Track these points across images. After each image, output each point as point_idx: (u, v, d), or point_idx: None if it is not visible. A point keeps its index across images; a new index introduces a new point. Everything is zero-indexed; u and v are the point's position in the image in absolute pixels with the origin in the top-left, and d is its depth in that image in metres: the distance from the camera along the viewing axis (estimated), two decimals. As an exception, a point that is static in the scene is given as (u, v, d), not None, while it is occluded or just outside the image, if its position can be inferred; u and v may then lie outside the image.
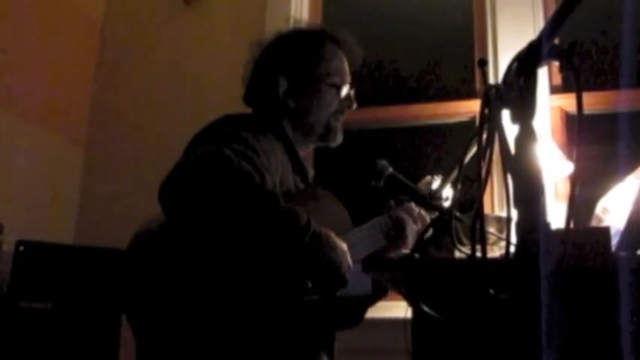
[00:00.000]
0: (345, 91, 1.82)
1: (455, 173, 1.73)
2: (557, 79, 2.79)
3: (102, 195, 3.10)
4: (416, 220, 1.83)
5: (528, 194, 0.89)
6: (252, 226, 1.35)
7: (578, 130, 0.91)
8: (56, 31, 3.10)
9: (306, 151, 1.86)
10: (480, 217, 0.96)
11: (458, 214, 1.55)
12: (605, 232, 1.23)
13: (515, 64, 0.94)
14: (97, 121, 3.25)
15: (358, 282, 1.56)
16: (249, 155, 1.43)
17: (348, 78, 1.84)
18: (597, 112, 2.75)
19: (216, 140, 1.49)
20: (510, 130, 0.94)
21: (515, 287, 0.88)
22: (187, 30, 3.28)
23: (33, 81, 2.93)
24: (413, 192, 1.81)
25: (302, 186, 1.69)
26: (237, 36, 2.97)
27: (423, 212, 1.83)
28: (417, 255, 1.36)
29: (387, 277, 1.46)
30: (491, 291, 1.00)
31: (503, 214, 2.08)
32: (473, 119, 2.92)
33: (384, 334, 2.07)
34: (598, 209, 1.67)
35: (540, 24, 2.82)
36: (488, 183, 1.02)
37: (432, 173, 1.87)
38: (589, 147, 0.96)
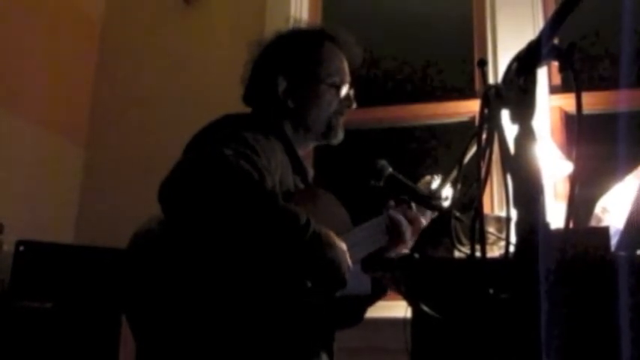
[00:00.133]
0: (344, 90, 1.82)
1: (454, 173, 1.73)
2: (557, 79, 2.80)
3: (102, 195, 3.10)
4: (412, 222, 1.83)
5: (528, 194, 0.89)
6: (251, 226, 1.35)
7: (577, 130, 0.91)
8: (56, 31, 3.10)
9: (305, 151, 1.86)
10: (479, 216, 0.96)
11: (457, 213, 1.55)
12: (605, 231, 1.23)
13: (514, 64, 0.95)
14: (97, 121, 3.26)
15: (358, 282, 1.56)
16: (248, 155, 1.44)
17: (348, 78, 1.84)
18: (597, 112, 2.76)
19: (215, 140, 1.49)
20: (510, 129, 0.94)
21: (514, 287, 0.88)
22: (187, 30, 3.28)
23: (33, 81, 2.93)
24: (413, 192, 1.81)
25: (302, 186, 1.69)
26: (237, 36, 2.97)
27: (420, 217, 1.83)
28: (416, 255, 1.37)
29: (386, 276, 1.47)
30: (491, 291, 1.00)
31: (503, 213, 2.09)
32: (472, 119, 2.93)
33: (383, 333, 2.08)
34: (597, 209, 1.68)
35: (540, 24, 2.83)
36: (488, 183, 1.02)
37: (432, 173, 1.88)
38: (588, 147, 0.96)
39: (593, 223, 1.66)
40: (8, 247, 2.37)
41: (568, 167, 2.44)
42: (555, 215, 1.09)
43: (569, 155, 2.46)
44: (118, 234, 1.58)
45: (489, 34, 2.92)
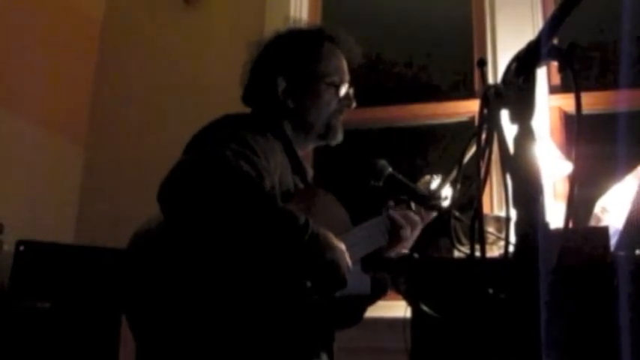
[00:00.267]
0: (344, 90, 1.82)
1: (454, 173, 1.73)
2: (556, 79, 2.80)
3: (102, 195, 3.10)
4: (411, 222, 1.82)
5: (527, 194, 0.89)
6: (250, 227, 1.35)
7: (577, 130, 0.92)
8: (56, 31, 3.10)
9: (305, 151, 1.87)
10: (479, 216, 0.96)
11: (457, 213, 1.55)
12: (604, 231, 1.23)
13: (514, 64, 0.95)
14: (97, 121, 3.26)
15: (357, 282, 1.57)
16: (248, 155, 1.44)
17: (347, 77, 1.84)
18: (596, 112, 2.76)
19: (215, 140, 1.49)
20: (509, 129, 0.94)
21: (514, 287, 0.88)
22: (187, 30, 3.28)
23: (33, 81, 2.93)
24: (412, 192, 1.81)
25: (301, 186, 1.70)
26: (237, 36, 2.97)
27: (417, 217, 1.83)
28: (416, 255, 1.37)
29: (386, 276, 1.47)
30: (490, 290, 1.00)
31: (503, 213, 2.09)
32: (472, 119, 2.93)
33: (383, 333, 2.08)
34: (597, 209, 1.68)
35: (539, 24, 2.83)
36: (488, 183, 1.03)
37: (431, 173, 1.88)
38: (588, 147, 0.96)
39: (592, 222, 1.66)
40: (8, 247, 2.37)
41: (567, 167, 2.44)
42: (555, 215, 1.10)
43: (568, 155, 2.46)
44: (118, 234, 1.58)
45: (489, 34, 2.92)
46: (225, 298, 1.35)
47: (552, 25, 0.91)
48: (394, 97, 3.18)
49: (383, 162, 1.82)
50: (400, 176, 1.82)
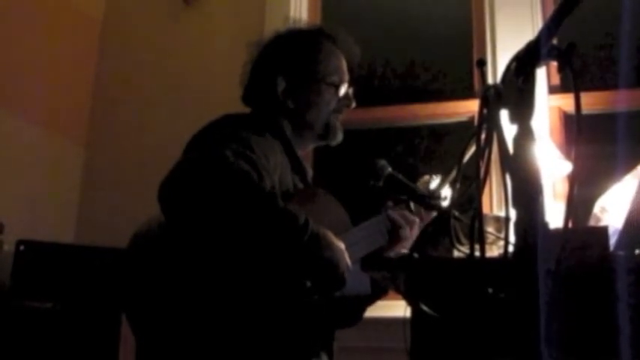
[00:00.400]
0: (343, 89, 1.82)
1: (453, 173, 1.74)
2: (556, 79, 2.80)
3: (102, 195, 3.10)
4: (411, 222, 1.83)
5: (527, 194, 0.89)
6: (250, 226, 1.35)
7: (576, 130, 0.92)
8: (56, 31, 3.10)
9: (305, 151, 1.87)
10: (478, 216, 0.96)
11: (457, 213, 1.56)
12: (604, 231, 1.23)
13: (513, 64, 0.95)
14: (97, 121, 3.26)
15: (357, 281, 1.57)
16: (247, 155, 1.44)
17: (347, 77, 1.84)
18: (595, 111, 2.76)
19: (215, 140, 1.50)
20: (509, 129, 0.94)
21: (513, 286, 0.88)
22: (187, 30, 3.28)
23: (33, 81, 2.93)
24: (412, 191, 1.81)
25: (301, 186, 1.70)
26: (237, 36, 2.97)
27: (415, 217, 1.83)
28: (415, 254, 1.37)
29: (385, 276, 1.47)
30: (490, 290, 1.00)
31: (502, 213, 2.09)
32: (471, 119, 2.93)
33: (383, 333, 2.08)
34: (596, 209, 1.68)
35: (539, 24, 2.83)
36: (487, 183, 1.03)
37: (431, 173, 1.88)
38: (587, 147, 0.96)
39: (592, 222, 1.66)
40: (8, 247, 2.38)
41: (567, 167, 2.44)
42: (554, 215, 1.10)
43: (567, 155, 2.46)
44: (118, 234, 1.59)
45: (488, 34, 2.92)
46: (225, 298, 1.35)
47: (552, 25, 0.91)
48: (394, 97, 3.18)
49: (383, 162, 1.82)
50: (400, 176, 1.82)
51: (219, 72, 3.03)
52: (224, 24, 3.24)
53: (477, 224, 0.96)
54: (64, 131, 3.12)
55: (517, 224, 0.89)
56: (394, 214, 1.77)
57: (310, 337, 1.50)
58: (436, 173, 1.86)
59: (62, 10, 3.14)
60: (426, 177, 1.86)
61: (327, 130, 1.79)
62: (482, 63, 1.44)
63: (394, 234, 1.75)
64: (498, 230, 1.72)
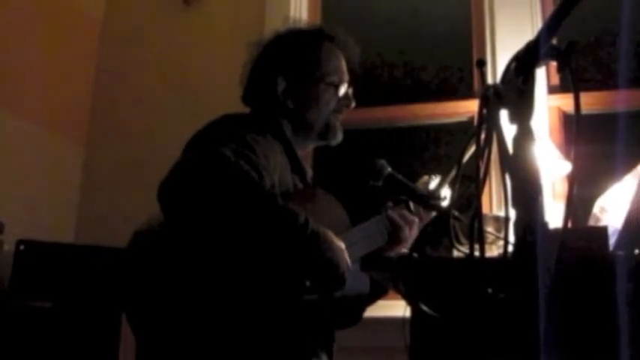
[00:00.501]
0: (343, 89, 1.82)
1: (453, 173, 1.74)
2: (555, 79, 2.80)
3: (102, 194, 3.10)
4: (410, 222, 1.83)
5: (526, 194, 0.89)
6: (250, 226, 1.36)
7: (576, 130, 0.92)
8: (56, 31, 3.10)
9: (305, 151, 1.87)
10: (478, 216, 0.96)
11: (456, 213, 1.56)
12: (603, 231, 1.23)
13: (513, 64, 0.95)
14: (97, 121, 3.26)
15: (357, 281, 1.57)
16: (247, 155, 1.44)
17: (346, 77, 1.84)
18: (595, 111, 2.76)
19: (215, 140, 1.50)
20: (508, 129, 0.94)
21: (513, 286, 0.88)
22: (187, 30, 3.28)
23: (33, 81, 2.93)
24: (411, 191, 1.81)
25: (300, 186, 1.70)
26: (237, 36, 2.97)
27: (414, 217, 1.83)
28: (415, 254, 1.37)
29: (385, 276, 1.47)
30: (490, 290, 1.00)
31: (502, 213, 2.09)
32: (471, 119, 2.93)
33: (382, 333, 2.08)
34: (596, 209, 1.68)
35: (538, 24, 2.83)
36: (487, 183, 1.03)
37: (430, 173, 1.88)
38: (587, 147, 0.96)
39: (591, 222, 1.66)
40: (8, 247, 2.38)
41: (566, 167, 2.44)
42: (554, 215, 1.10)
43: (567, 155, 2.46)
44: (118, 234, 1.59)
45: (488, 34, 2.92)
46: (225, 298, 1.36)
47: (551, 25, 0.91)
48: (394, 97, 3.18)
49: (382, 162, 1.83)
50: (399, 176, 1.82)
51: (219, 72, 3.03)
52: (224, 24, 3.24)
53: (476, 224, 0.96)
54: (64, 131, 3.12)
55: (517, 224, 0.89)
56: (394, 214, 1.77)
57: (310, 337, 1.50)
58: (436, 173, 1.86)
59: (62, 10, 3.14)
60: (426, 177, 1.87)
61: (327, 130, 1.79)
62: (482, 63, 1.45)
63: (394, 234, 1.75)
64: (498, 230, 1.72)
